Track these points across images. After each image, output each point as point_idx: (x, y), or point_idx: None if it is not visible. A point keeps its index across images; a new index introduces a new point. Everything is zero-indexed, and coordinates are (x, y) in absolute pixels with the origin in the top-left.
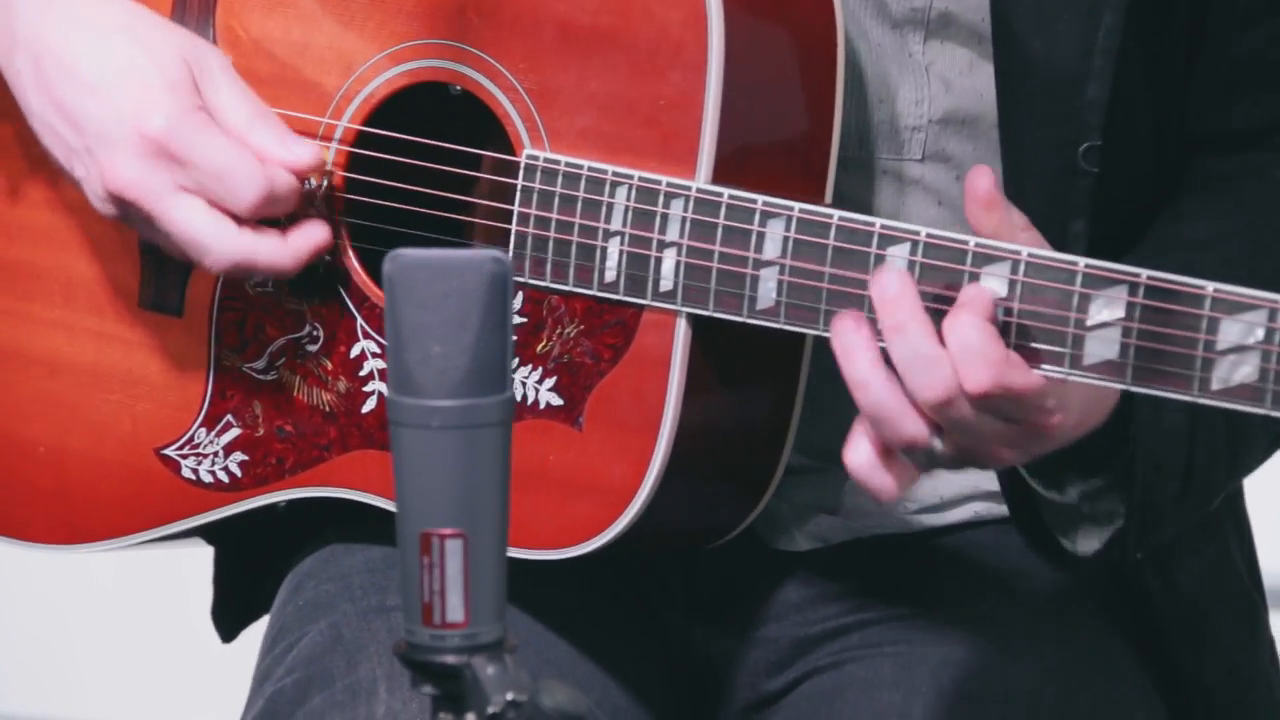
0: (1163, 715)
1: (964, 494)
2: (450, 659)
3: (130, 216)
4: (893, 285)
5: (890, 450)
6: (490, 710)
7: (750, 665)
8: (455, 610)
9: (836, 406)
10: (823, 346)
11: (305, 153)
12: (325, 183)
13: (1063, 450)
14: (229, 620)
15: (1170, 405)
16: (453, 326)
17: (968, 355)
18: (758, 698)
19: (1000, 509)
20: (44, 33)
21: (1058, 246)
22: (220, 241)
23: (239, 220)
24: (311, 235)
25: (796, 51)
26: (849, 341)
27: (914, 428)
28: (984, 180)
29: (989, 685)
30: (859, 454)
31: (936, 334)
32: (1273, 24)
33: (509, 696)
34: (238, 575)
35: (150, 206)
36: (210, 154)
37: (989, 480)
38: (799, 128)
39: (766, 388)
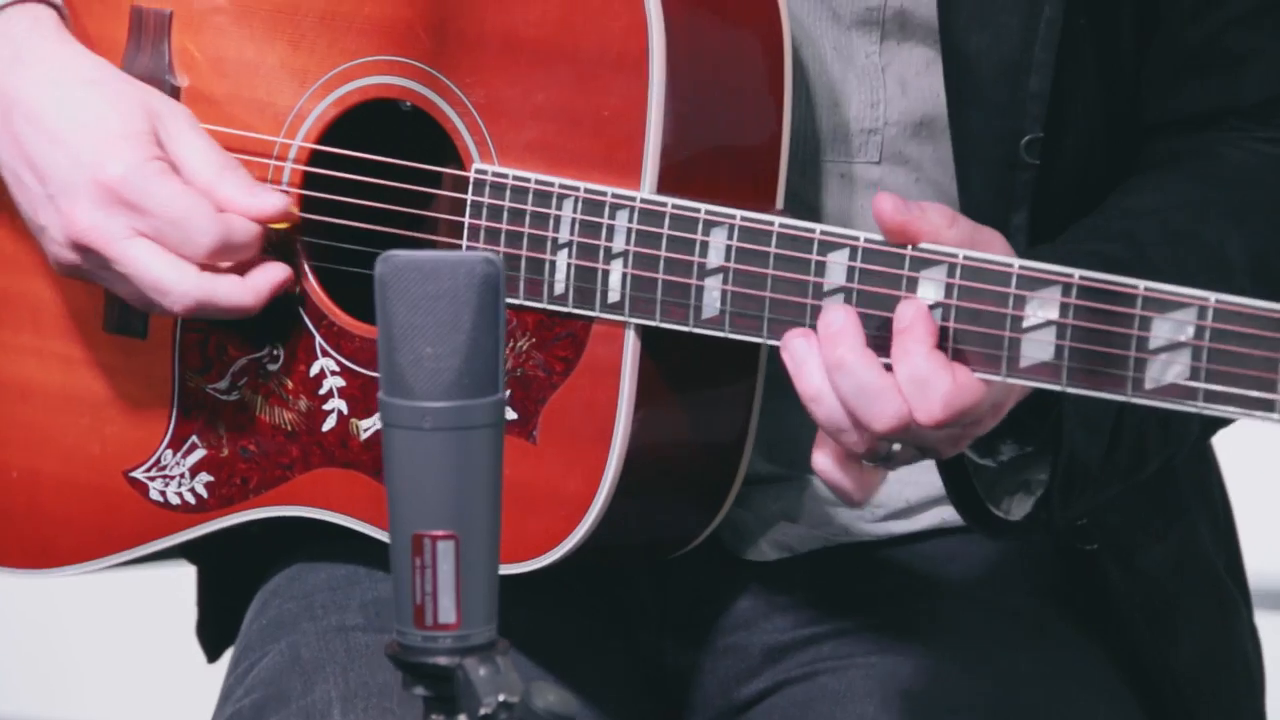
0: (1133, 711)
1: (930, 498)
2: (442, 660)
3: (88, 267)
4: (836, 320)
5: (851, 455)
6: (482, 711)
7: (721, 674)
8: (447, 612)
9: (800, 413)
10: (778, 354)
11: (271, 201)
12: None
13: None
14: (213, 640)
15: None
16: (444, 328)
17: (917, 388)
18: (729, 706)
19: None
20: (14, 86)
21: None
22: (180, 284)
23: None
24: (271, 273)
25: (742, 59)
26: (800, 355)
27: (869, 438)
28: (884, 205)
29: (960, 695)
30: (823, 459)
31: (879, 363)
32: (1226, 10)
33: (500, 698)
34: (219, 596)
35: (108, 251)
36: (166, 202)
37: None
38: (747, 135)
39: (721, 396)
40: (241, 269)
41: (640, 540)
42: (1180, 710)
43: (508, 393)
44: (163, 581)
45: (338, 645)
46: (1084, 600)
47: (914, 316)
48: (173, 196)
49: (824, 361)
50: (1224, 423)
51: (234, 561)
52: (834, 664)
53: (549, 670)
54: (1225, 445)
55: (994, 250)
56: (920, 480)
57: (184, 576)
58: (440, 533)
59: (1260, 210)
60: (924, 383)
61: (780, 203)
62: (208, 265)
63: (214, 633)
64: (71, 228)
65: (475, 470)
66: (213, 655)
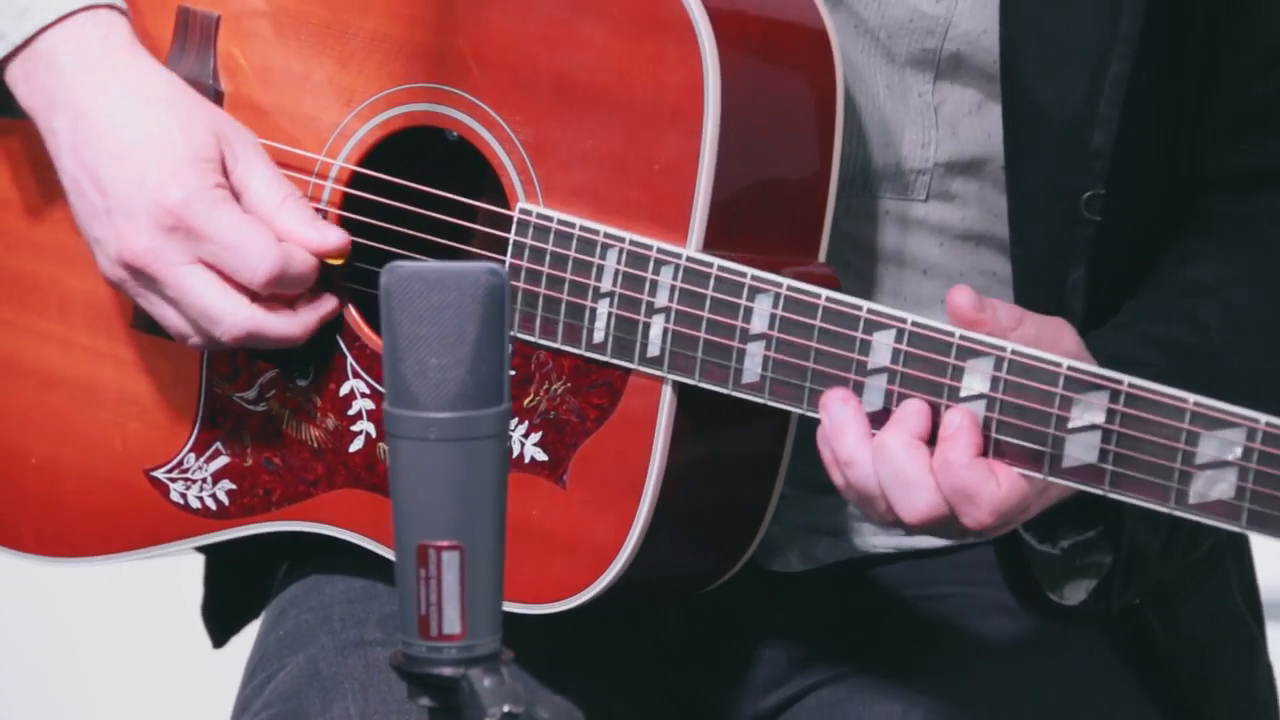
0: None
1: None
2: (447, 671)
3: (136, 285)
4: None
5: None
6: None
7: (748, 684)
8: (452, 622)
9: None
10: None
11: (333, 236)
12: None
13: (1060, 511)
14: (220, 624)
15: None
16: (450, 338)
17: (963, 499)
18: (755, 715)
19: None
20: (84, 95)
21: (1057, 294)
22: (233, 314)
23: (251, 294)
24: (319, 307)
25: (794, 107)
26: (839, 420)
27: (894, 519)
28: (960, 300)
29: (984, 699)
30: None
31: (926, 458)
32: None
33: (505, 708)
34: (228, 579)
35: (163, 275)
36: (226, 229)
37: None
38: (795, 184)
39: (751, 455)
40: (290, 301)
41: (662, 586)
42: None
43: (539, 434)
44: (166, 574)
45: (356, 660)
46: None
47: (960, 426)
48: (233, 224)
49: (870, 441)
50: None
51: (246, 554)
52: (861, 666)
53: (571, 682)
54: None
55: (1063, 340)
56: None
57: (188, 569)
58: (445, 543)
59: None
60: (970, 495)
61: (823, 254)
62: (260, 295)
63: (221, 615)
64: (127, 249)
65: (480, 481)
66: (219, 640)
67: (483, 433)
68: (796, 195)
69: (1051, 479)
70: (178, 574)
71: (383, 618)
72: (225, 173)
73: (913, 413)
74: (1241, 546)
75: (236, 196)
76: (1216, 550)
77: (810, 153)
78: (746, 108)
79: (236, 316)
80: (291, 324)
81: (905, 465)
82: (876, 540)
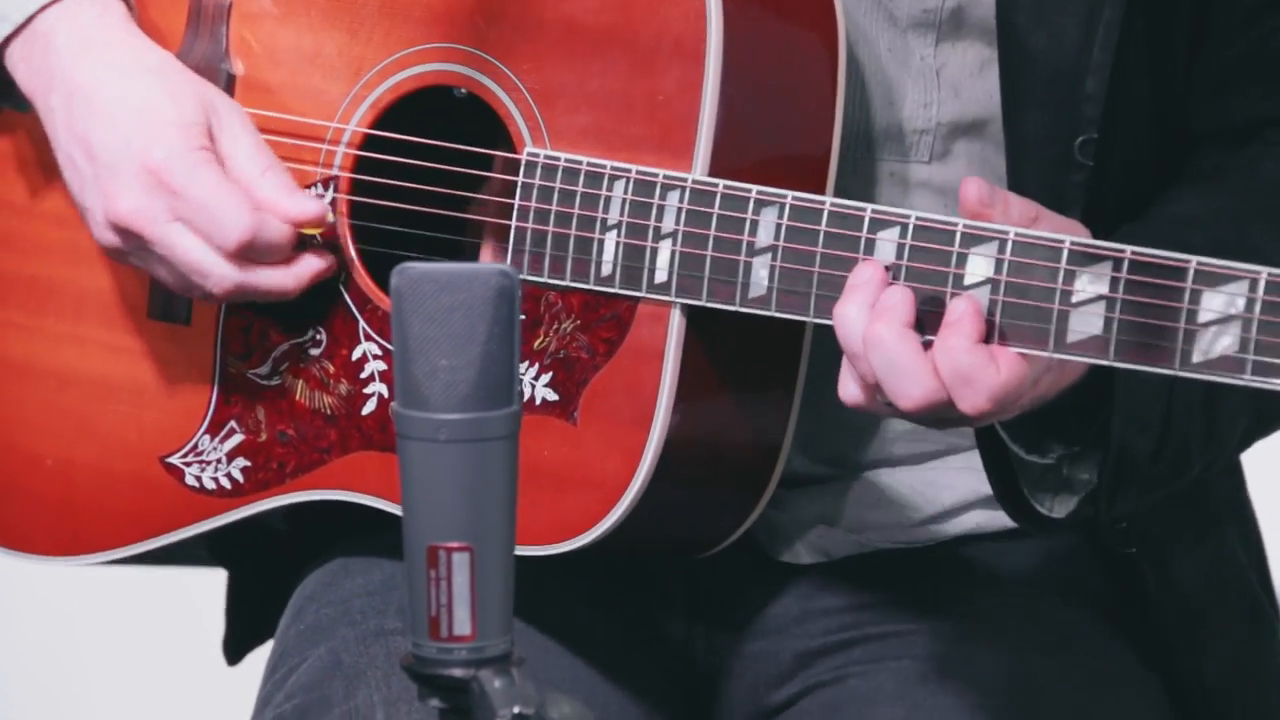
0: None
1: (966, 501)
2: (457, 672)
3: (129, 249)
4: (890, 297)
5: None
6: None
7: (752, 678)
8: (462, 623)
9: (840, 411)
10: (821, 346)
11: (308, 206)
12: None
13: (1045, 414)
14: (236, 643)
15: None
16: (460, 340)
17: (962, 382)
18: (759, 711)
19: (1000, 518)
20: (78, 72)
21: None
22: (219, 265)
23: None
24: (312, 261)
25: (797, 54)
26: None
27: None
28: (970, 191)
29: (991, 700)
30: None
31: (917, 344)
32: (1272, 20)
33: (516, 710)
34: (251, 599)
35: (147, 232)
36: (202, 190)
37: (988, 485)
38: (799, 130)
39: (764, 385)
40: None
41: (674, 533)
42: (1210, 718)
43: (549, 375)
44: (180, 588)
45: (378, 650)
46: (1120, 606)
47: (964, 312)
48: (209, 184)
49: (864, 335)
50: (1264, 431)
51: (268, 565)
52: (864, 667)
53: (580, 670)
54: (1253, 463)
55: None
56: (956, 484)
57: (201, 584)
58: (455, 544)
59: None
60: (969, 378)
61: (829, 194)
62: (237, 259)
63: (239, 635)
64: (114, 210)
65: (490, 482)
66: (234, 658)
67: (493, 434)
68: (801, 141)
69: (1057, 354)
70: (191, 586)
71: (402, 607)
72: (212, 140)
73: (899, 300)
74: (1246, 516)
75: (221, 164)
76: (1210, 508)
77: (815, 101)
78: (749, 43)
79: (225, 269)
80: (284, 275)
81: (898, 353)
82: (889, 533)
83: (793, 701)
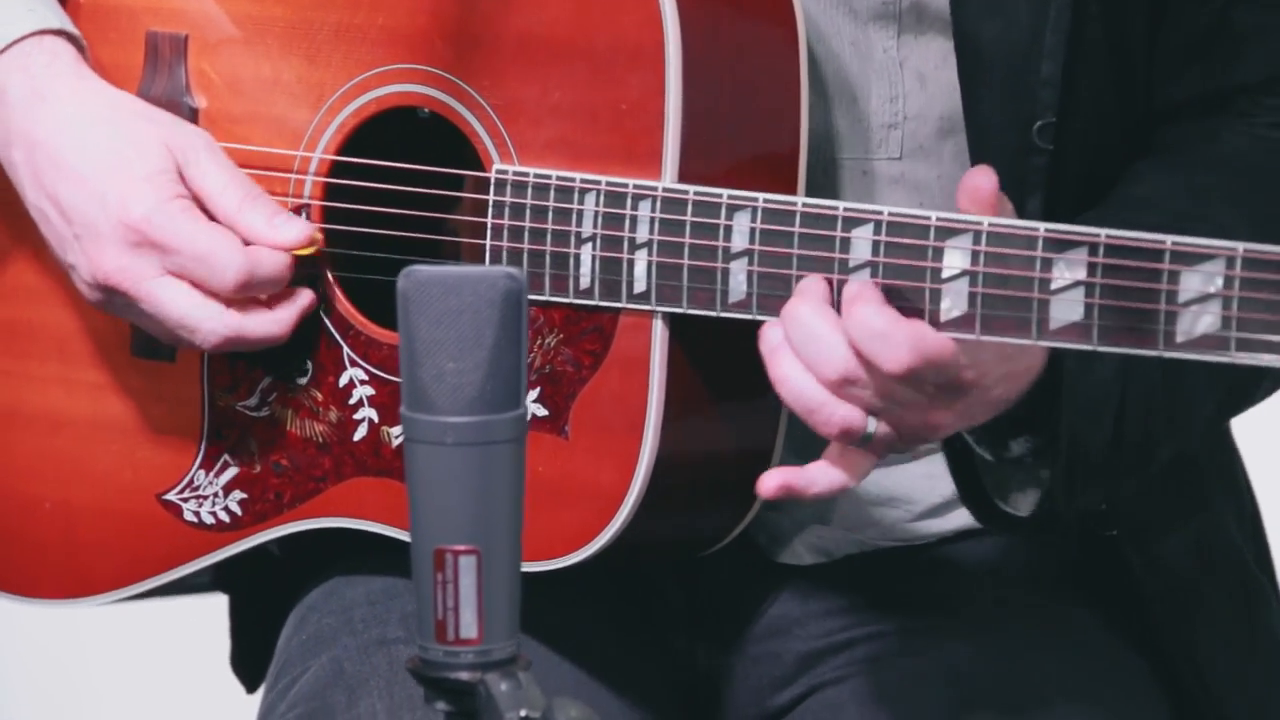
0: (1166, 717)
1: None
2: (464, 675)
3: (116, 304)
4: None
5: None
6: None
7: (755, 681)
8: (469, 627)
9: None
10: None
11: (292, 232)
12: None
13: (1006, 411)
14: (250, 670)
15: (1101, 356)
16: (467, 343)
17: (879, 341)
18: (763, 713)
19: None
20: (34, 127)
21: None
22: (206, 320)
23: (228, 299)
24: (296, 301)
25: (758, 53)
26: (772, 341)
27: (844, 412)
28: (985, 180)
29: (991, 699)
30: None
31: (833, 317)
32: None
33: (522, 713)
34: (252, 625)
35: (136, 292)
36: (190, 239)
37: None
38: (766, 129)
39: (752, 385)
40: (268, 299)
41: (673, 536)
42: (1206, 700)
43: (537, 390)
44: (194, 615)
45: (380, 658)
46: (1111, 591)
47: (860, 287)
48: (197, 233)
49: (782, 311)
50: (1239, 406)
51: (266, 588)
52: (867, 666)
53: (581, 676)
54: (1250, 439)
55: None
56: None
57: (213, 609)
58: (462, 547)
59: (1260, 191)
60: (883, 335)
61: (801, 194)
62: (237, 299)
63: (250, 662)
64: (99, 271)
65: (496, 485)
66: (251, 685)
67: (500, 437)
68: (768, 140)
69: (1041, 342)
70: (200, 611)
71: (404, 616)
72: (183, 181)
73: (813, 282)
74: (1241, 491)
75: (198, 202)
76: (1199, 486)
77: (779, 99)
78: (708, 44)
79: (213, 324)
80: (271, 323)
81: (814, 324)
82: (887, 529)
83: (796, 703)
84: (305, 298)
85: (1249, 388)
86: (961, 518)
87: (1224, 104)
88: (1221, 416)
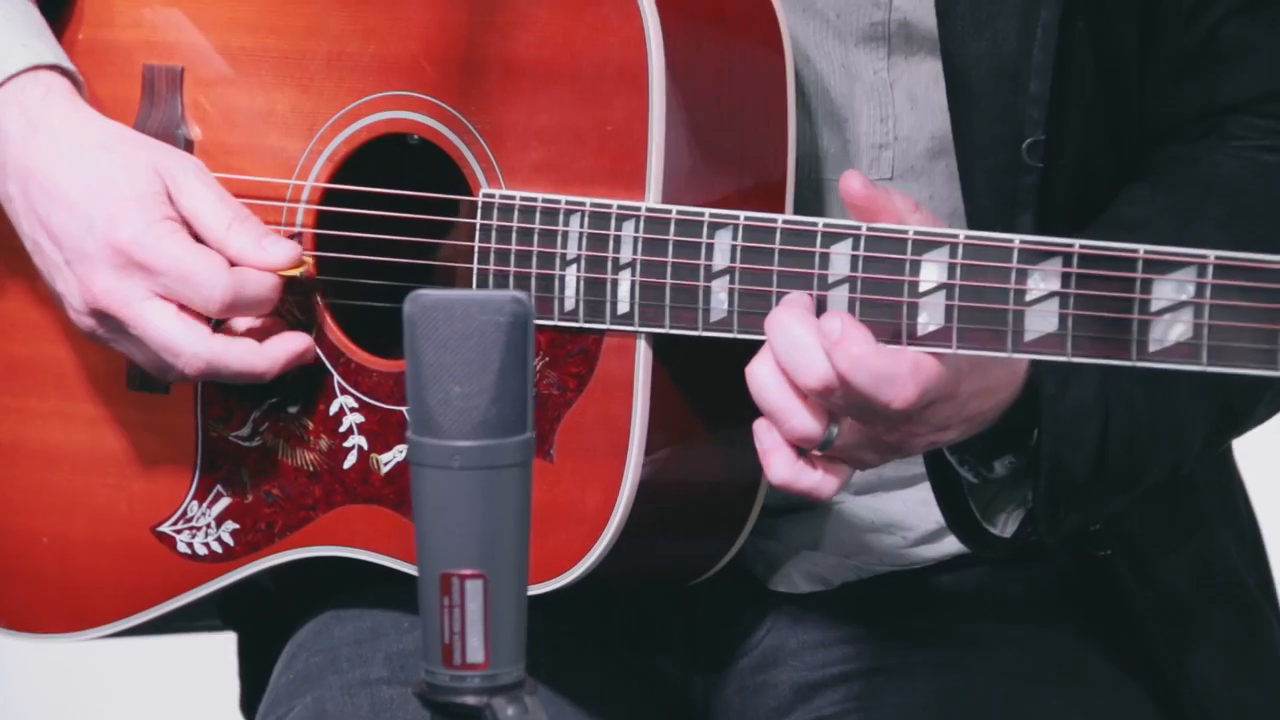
0: None
1: None
2: (470, 700)
3: (106, 332)
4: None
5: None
6: None
7: (750, 712)
8: (475, 651)
9: None
10: None
11: (280, 253)
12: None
13: (988, 430)
14: (254, 706)
15: (1080, 378)
16: (473, 367)
17: (887, 384)
18: None
19: None
20: (29, 158)
21: None
22: (191, 344)
23: (214, 325)
24: (290, 342)
25: (745, 74)
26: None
27: (800, 421)
28: (853, 183)
29: None
30: (779, 465)
31: (818, 327)
32: (1218, 7)
33: None
34: (261, 669)
35: (123, 313)
36: (175, 260)
37: None
38: (753, 150)
39: (738, 407)
40: (260, 334)
41: (662, 560)
42: None
43: None
44: (202, 656)
45: (363, 699)
46: (1108, 614)
47: (845, 325)
48: (182, 254)
49: (766, 321)
50: (1238, 426)
51: (271, 626)
52: (863, 703)
53: (576, 706)
54: (1252, 462)
55: None
56: None
57: (222, 650)
58: (468, 572)
59: (1250, 215)
60: (891, 377)
61: (789, 212)
62: (226, 323)
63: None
64: (89, 294)
65: (503, 509)
66: None
67: (506, 461)
68: (754, 161)
69: (1016, 354)
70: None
71: (389, 655)
72: (172, 204)
73: (798, 295)
74: (1239, 512)
75: (187, 226)
76: (1196, 506)
77: (766, 120)
78: (692, 64)
79: (196, 349)
80: (256, 357)
81: (798, 332)
82: (883, 556)
83: None
84: (299, 341)
85: (1246, 406)
86: (958, 543)
87: (1215, 126)
88: (1220, 437)
